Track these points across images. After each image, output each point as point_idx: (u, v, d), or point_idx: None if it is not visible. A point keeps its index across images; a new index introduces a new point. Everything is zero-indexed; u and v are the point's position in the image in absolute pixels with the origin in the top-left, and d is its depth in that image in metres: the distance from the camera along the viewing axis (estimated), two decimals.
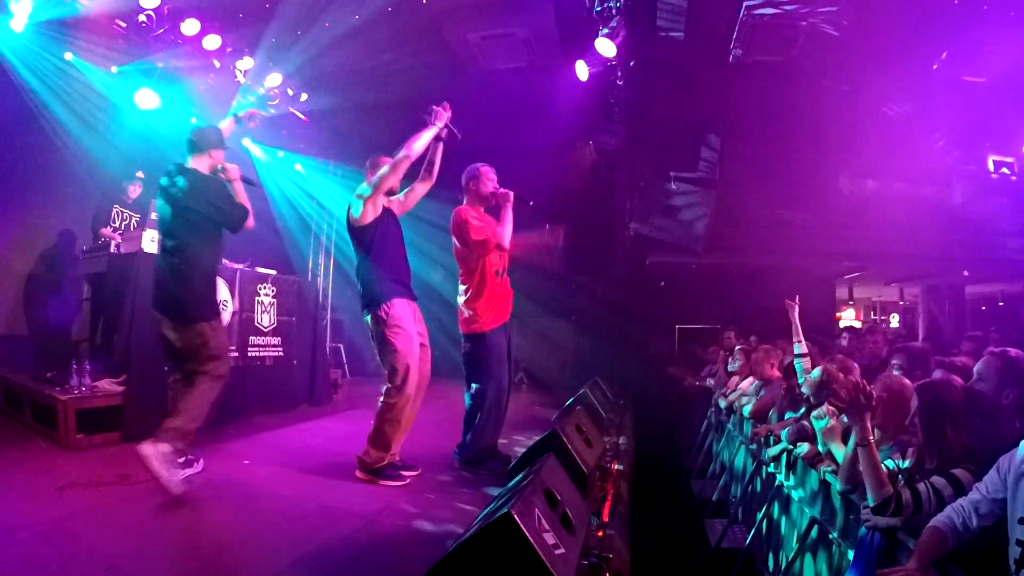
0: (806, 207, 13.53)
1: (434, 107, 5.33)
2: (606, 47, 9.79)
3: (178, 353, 4.97)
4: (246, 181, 5.23)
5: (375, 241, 5.21)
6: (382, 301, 5.07)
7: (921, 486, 2.98)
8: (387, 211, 5.35)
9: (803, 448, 5.00)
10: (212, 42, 9.59)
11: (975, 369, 3.53)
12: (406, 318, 5.12)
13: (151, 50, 9.16)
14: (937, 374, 4.00)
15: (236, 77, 10.34)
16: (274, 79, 10.66)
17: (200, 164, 5.00)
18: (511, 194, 5.68)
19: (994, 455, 2.84)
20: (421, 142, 5.19)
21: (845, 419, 4.18)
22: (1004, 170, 13.52)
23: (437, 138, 5.39)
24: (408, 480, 5.06)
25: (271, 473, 5.19)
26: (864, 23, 9.62)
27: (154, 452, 4.29)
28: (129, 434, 5.85)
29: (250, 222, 5.10)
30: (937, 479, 3.00)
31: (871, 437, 3.11)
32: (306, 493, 4.67)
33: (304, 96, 11.35)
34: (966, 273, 15.63)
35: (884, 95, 11.50)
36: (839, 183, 13.94)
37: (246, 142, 11.89)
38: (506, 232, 5.60)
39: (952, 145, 13.30)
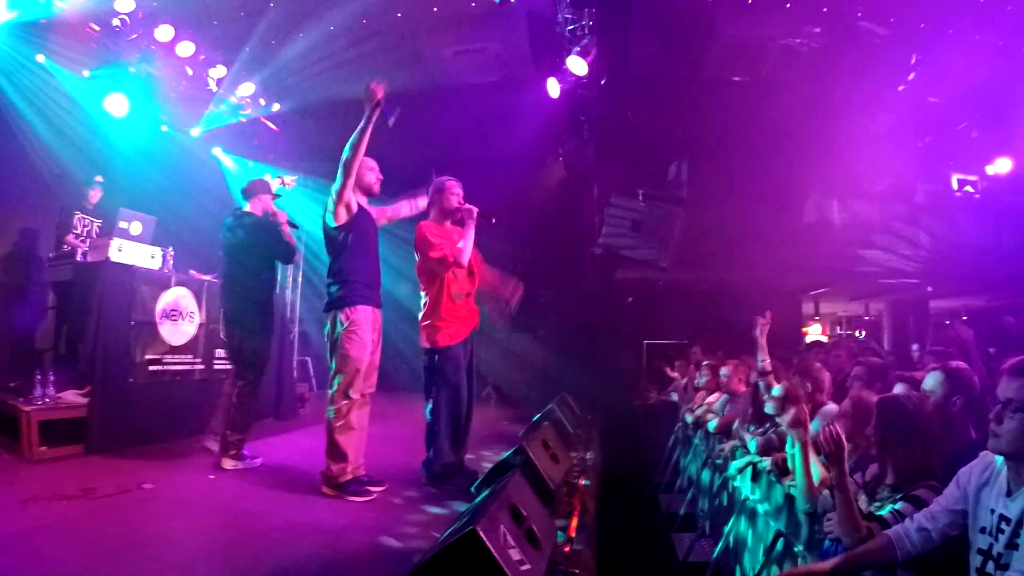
0: (773, 224, 13.68)
1: (371, 85, 4.98)
2: (577, 65, 9.88)
3: (240, 359, 5.97)
4: (291, 224, 6.23)
5: (348, 243, 5.20)
6: (345, 305, 5.09)
7: (889, 517, 3.02)
8: (364, 213, 5.33)
9: (768, 462, 5.06)
10: (186, 49, 9.56)
11: (927, 384, 3.60)
12: (365, 325, 5.13)
13: (124, 55, 9.10)
14: (898, 388, 4.06)
15: (208, 85, 10.31)
16: (247, 88, 10.64)
17: (254, 208, 6.24)
18: (475, 210, 5.67)
19: (947, 464, 2.93)
20: (361, 133, 4.97)
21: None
22: (968, 188, 13.79)
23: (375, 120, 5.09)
24: (374, 496, 5.02)
25: (236, 488, 5.15)
26: (833, 45, 9.80)
27: (231, 465, 5.67)
28: (93, 447, 5.80)
29: (296, 258, 6.41)
30: (904, 506, 3.03)
31: (848, 482, 3.14)
32: (271, 508, 4.64)
33: (276, 106, 11.33)
34: (929, 289, 15.92)
35: (852, 114, 11.70)
36: (806, 200, 14.13)
37: (216, 151, 11.82)
38: (466, 249, 5.58)
39: (917, 164, 13.56)
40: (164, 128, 10.54)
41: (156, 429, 6.53)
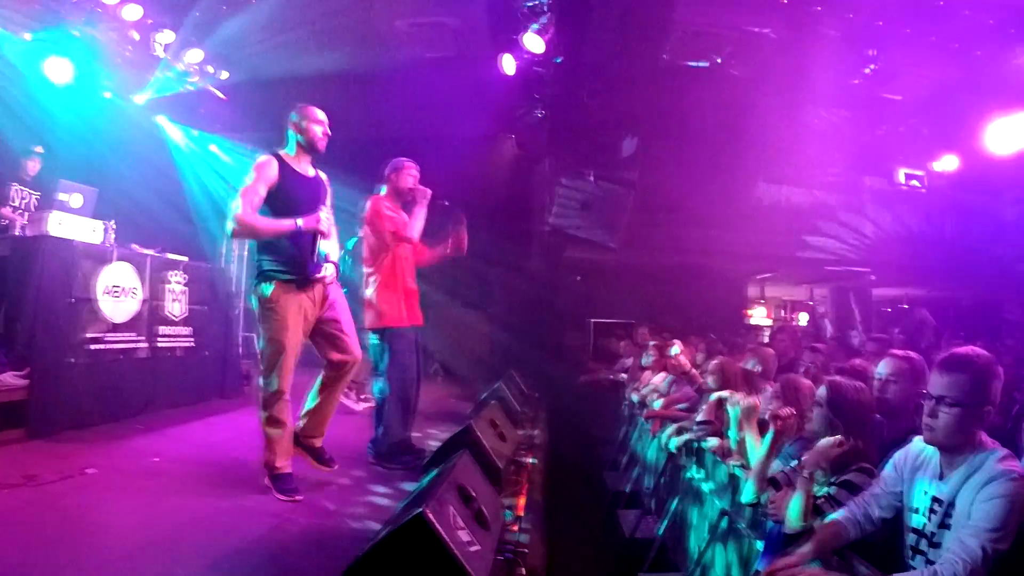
0: (722, 208, 13.87)
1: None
2: (534, 43, 9.84)
3: None
4: None
5: (270, 211, 4.61)
6: (262, 280, 4.58)
7: (822, 502, 3.14)
8: (295, 177, 4.72)
9: (713, 442, 5.16)
10: (132, 12, 9.22)
11: (884, 372, 3.68)
12: (284, 303, 4.56)
13: (68, 16, 8.78)
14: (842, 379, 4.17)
15: (155, 51, 9.99)
16: (195, 55, 10.34)
17: None
18: (429, 192, 5.58)
19: (892, 449, 3.05)
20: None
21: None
22: (914, 183, 14.15)
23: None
24: (300, 499, 4.49)
25: (181, 471, 5.03)
26: (792, 36, 9.90)
27: None
28: (34, 431, 5.58)
29: None
30: (839, 492, 3.16)
31: (814, 471, 3.23)
32: (218, 491, 4.55)
33: (225, 74, 11.06)
34: (873, 277, 16.34)
35: (805, 105, 11.87)
36: (756, 188, 14.36)
37: (161, 120, 11.54)
38: (416, 227, 5.52)
39: (866, 157, 13.86)
40: (107, 95, 10.22)
41: (99, 411, 6.28)
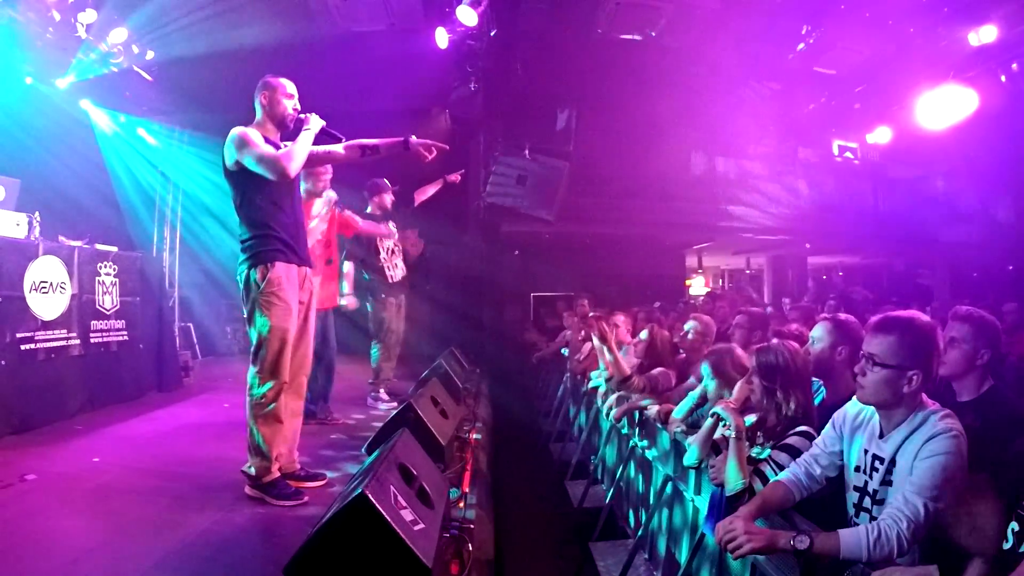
0: (658, 179, 13.99)
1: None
2: (467, 15, 9.74)
3: None
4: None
5: (258, 186, 4.25)
6: (260, 261, 4.22)
7: (766, 468, 3.20)
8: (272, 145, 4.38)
9: (653, 409, 5.23)
10: None
11: (814, 335, 3.78)
12: (287, 285, 4.27)
13: None
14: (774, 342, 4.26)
15: (77, 31, 9.63)
16: (119, 34, 9.99)
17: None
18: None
19: (833, 410, 3.10)
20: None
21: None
22: (848, 154, 14.44)
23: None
24: (305, 498, 4.27)
25: (123, 469, 4.91)
26: (727, 9, 9.97)
27: None
28: None
29: None
30: (778, 454, 3.23)
31: (744, 430, 3.30)
32: (161, 487, 4.48)
33: (151, 53, 10.72)
34: (808, 245, 16.69)
35: (740, 77, 12.00)
36: (692, 158, 14.51)
37: (85, 104, 11.15)
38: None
39: (801, 128, 14.08)
40: (28, 80, 9.83)
41: (34, 413, 5.99)
